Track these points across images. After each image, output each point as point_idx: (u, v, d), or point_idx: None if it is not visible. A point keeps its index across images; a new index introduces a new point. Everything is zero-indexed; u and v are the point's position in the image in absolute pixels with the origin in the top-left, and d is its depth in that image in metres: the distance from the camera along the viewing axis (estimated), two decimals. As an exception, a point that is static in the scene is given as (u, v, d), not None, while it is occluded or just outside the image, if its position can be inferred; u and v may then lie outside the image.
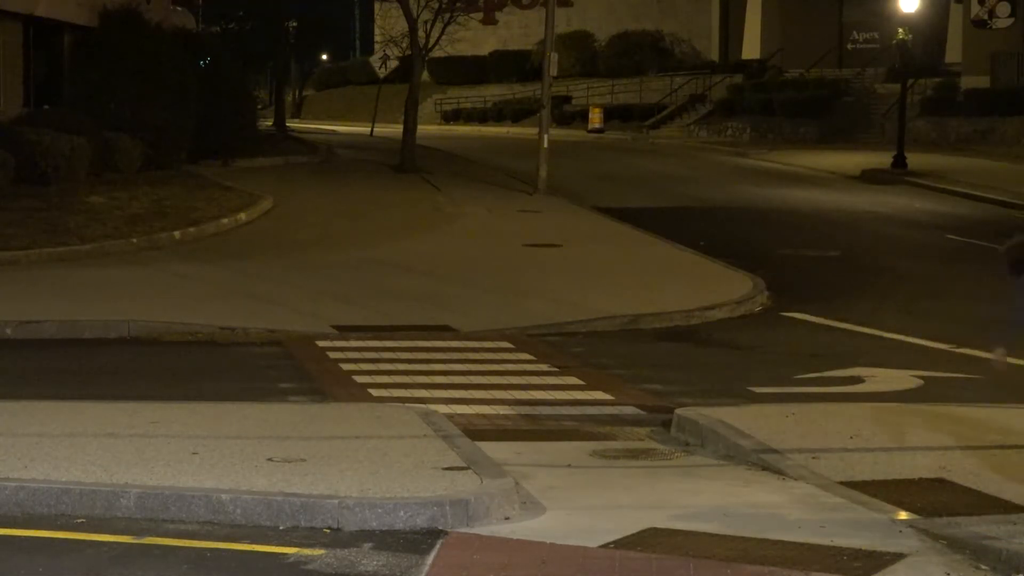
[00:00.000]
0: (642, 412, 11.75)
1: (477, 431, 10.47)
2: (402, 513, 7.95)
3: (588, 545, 7.70)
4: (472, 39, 64.86)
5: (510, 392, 12.35)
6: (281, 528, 7.93)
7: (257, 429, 9.89)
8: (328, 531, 7.88)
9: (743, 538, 7.82)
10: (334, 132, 56.40)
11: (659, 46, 66.15)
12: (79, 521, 8.05)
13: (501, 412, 11.60)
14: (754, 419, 10.64)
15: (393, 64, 49.22)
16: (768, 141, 50.95)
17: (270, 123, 51.15)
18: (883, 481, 9.01)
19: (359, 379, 12.93)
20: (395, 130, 43.68)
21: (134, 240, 21.69)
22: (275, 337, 15.01)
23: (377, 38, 64.12)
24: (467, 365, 13.68)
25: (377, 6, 75.52)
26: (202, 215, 24.27)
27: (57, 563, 7.29)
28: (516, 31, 73.89)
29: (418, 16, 37.52)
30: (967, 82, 49.31)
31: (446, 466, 8.82)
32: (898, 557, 7.53)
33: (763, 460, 9.61)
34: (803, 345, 15.43)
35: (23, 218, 22.32)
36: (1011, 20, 50.28)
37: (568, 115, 61.65)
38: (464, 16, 42.41)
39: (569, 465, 9.77)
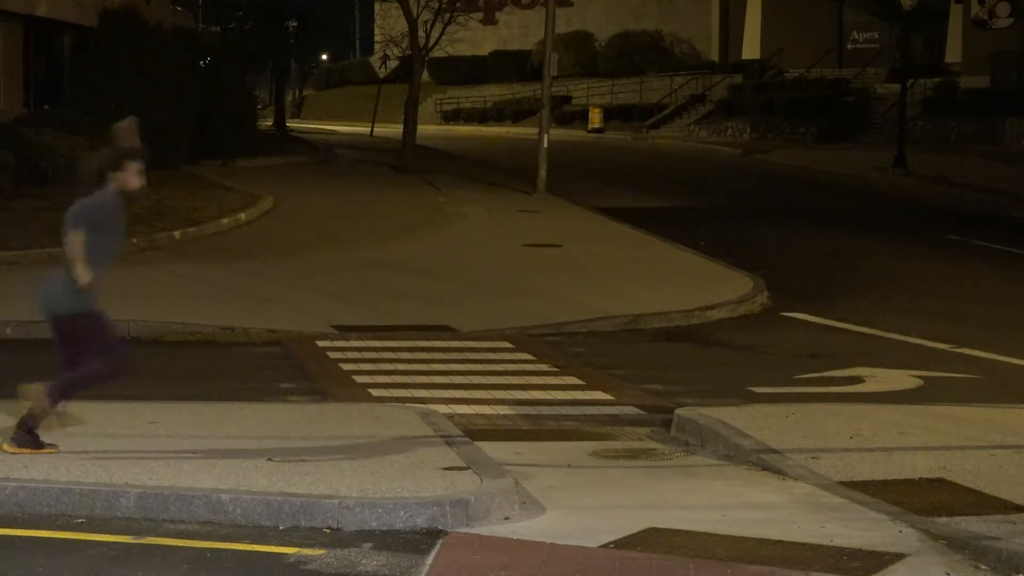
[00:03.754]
0: (642, 412, 11.75)
1: (477, 431, 10.46)
2: (402, 513, 7.95)
3: (588, 545, 7.69)
4: (472, 39, 64.88)
5: (510, 392, 12.34)
6: (281, 528, 7.93)
7: (257, 429, 9.89)
8: (328, 531, 7.88)
9: (743, 538, 7.82)
10: (334, 132, 56.42)
11: (659, 46, 66.17)
12: (79, 521, 8.05)
13: (501, 412, 11.59)
14: (754, 419, 10.64)
15: (393, 64, 49.23)
16: (768, 141, 50.98)
17: (270, 123, 51.15)
18: (883, 481, 9.01)
19: (359, 379, 12.92)
20: (395, 130, 43.69)
21: (134, 240, 21.65)
22: (275, 337, 15.01)
23: (377, 38, 64.16)
24: (467, 365, 13.68)
25: (377, 6, 75.62)
26: (202, 215, 24.26)
27: (57, 563, 7.29)
28: (516, 31, 73.92)
29: (418, 16, 37.52)
30: (967, 82, 49.33)
31: (446, 466, 8.82)
32: (898, 557, 7.53)
33: (763, 460, 9.61)
34: (803, 345, 15.43)
35: (23, 218, 22.31)
36: (1011, 20, 50.32)
37: (568, 115, 61.67)
38: (464, 16, 42.42)
39: (569, 465, 9.76)
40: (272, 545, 7.64)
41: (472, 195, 30.63)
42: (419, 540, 7.72)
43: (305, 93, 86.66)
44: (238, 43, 50.55)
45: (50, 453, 8.89)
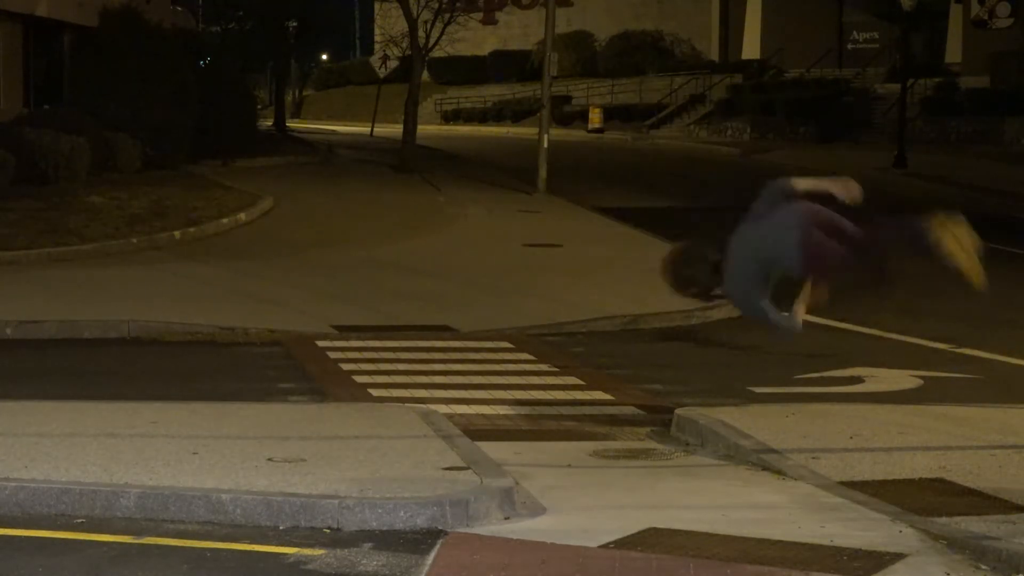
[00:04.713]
0: (642, 412, 11.75)
1: (477, 431, 10.46)
2: (402, 513, 7.95)
3: (588, 545, 7.69)
4: (472, 39, 64.90)
5: (510, 392, 12.34)
6: (281, 528, 7.93)
7: (257, 429, 9.89)
8: (328, 531, 7.88)
9: (743, 538, 7.82)
10: (334, 132, 56.41)
11: (659, 46, 66.16)
12: (79, 521, 8.05)
13: (501, 412, 11.59)
14: (754, 419, 10.64)
15: (393, 64, 49.23)
16: (768, 141, 51.00)
17: (270, 123, 51.14)
18: (883, 481, 9.01)
19: (359, 379, 12.92)
20: (395, 130, 43.71)
21: (134, 240, 21.69)
22: (275, 337, 15.01)
23: (377, 38, 64.17)
24: (467, 365, 13.68)
25: (377, 6, 75.63)
26: (202, 215, 24.27)
27: (57, 563, 7.29)
28: (516, 31, 73.90)
29: (418, 16, 37.53)
30: (967, 82, 49.35)
31: (446, 466, 8.82)
32: (898, 557, 7.53)
33: (763, 460, 9.61)
34: (803, 345, 15.41)
35: (23, 218, 22.32)
36: (1011, 20, 50.34)
37: (568, 115, 61.67)
38: (464, 16, 42.43)
39: (569, 465, 9.76)
40: (272, 545, 7.64)
41: (472, 195, 30.63)
42: (419, 540, 7.72)
43: (305, 93, 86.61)
44: (238, 43, 50.57)
45: None
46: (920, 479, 9.07)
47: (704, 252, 7.76)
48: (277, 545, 7.64)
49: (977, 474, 9.16)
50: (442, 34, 37.61)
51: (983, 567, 7.45)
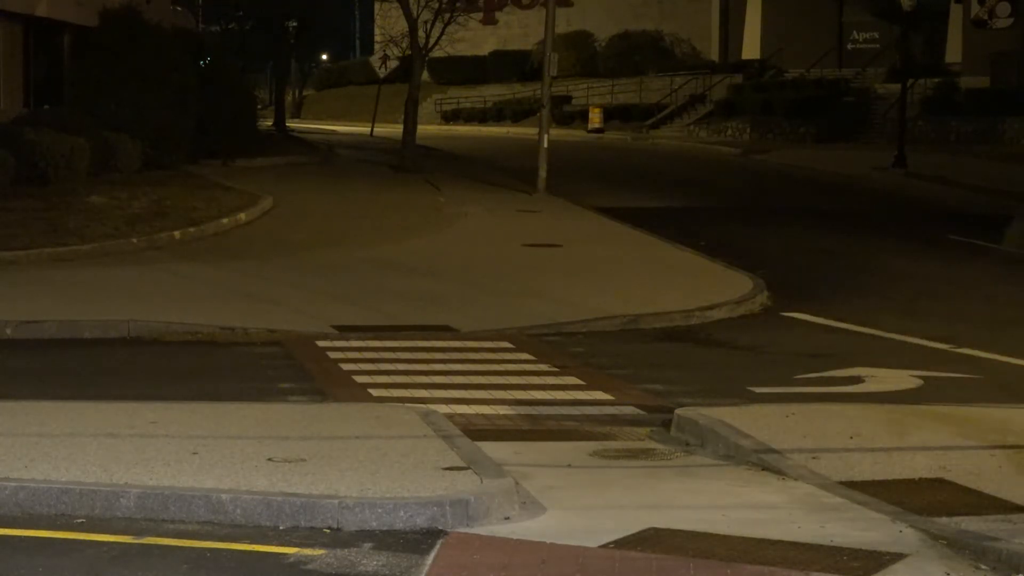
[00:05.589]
0: (642, 412, 11.75)
1: (477, 431, 10.46)
2: (402, 513, 7.95)
3: (588, 545, 7.69)
4: (472, 39, 64.96)
5: (510, 392, 12.34)
6: (281, 528, 7.94)
7: (257, 429, 9.89)
8: (328, 531, 7.88)
9: (743, 538, 7.82)
10: (334, 132, 56.42)
11: (659, 46, 66.19)
12: (79, 521, 8.05)
13: (501, 412, 11.59)
14: (754, 419, 10.64)
15: (393, 64, 49.27)
16: (768, 141, 51.00)
17: (270, 123, 51.16)
18: (883, 481, 9.01)
19: (359, 379, 12.92)
20: (395, 130, 43.75)
21: (134, 240, 21.68)
22: (275, 337, 15.01)
23: (377, 38, 64.17)
24: (467, 365, 13.68)
25: (377, 6, 75.59)
26: (202, 215, 24.26)
27: (57, 563, 7.29)
28: (516, 31, 73.93)
29: (418, 16, 37.55)
30: (967, 82, 49.35)
31: (446, 466, 8.82)
32: (898, 557, 7.53)
33: (763, 460, 9.61)
34: (803, 345, 15.42)
35: (23, 218, 22.32)
36: (1011, 20, 50.35)
37: (568, 115, 61.69)
38: (464, 16, 42.45)
39: (569, 465, 9.76)
40: (272, 545, 7.64)
41: (472, 195, 30.64)
42: (419, 540, 7.73)
43: (305, 93, 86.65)
44: (238, 43, 50.59)
45: None
46: (920, 479, 9.08)
47: None
48: (277, 545, 7.64)
49: (977, 474, 9.16)
50: (442, 34, 37.63)
51: (983, 567, 7.45)
